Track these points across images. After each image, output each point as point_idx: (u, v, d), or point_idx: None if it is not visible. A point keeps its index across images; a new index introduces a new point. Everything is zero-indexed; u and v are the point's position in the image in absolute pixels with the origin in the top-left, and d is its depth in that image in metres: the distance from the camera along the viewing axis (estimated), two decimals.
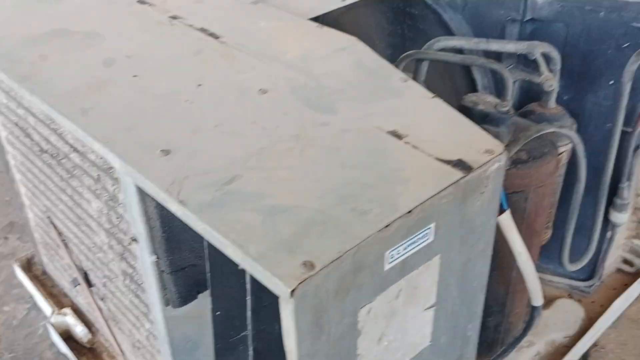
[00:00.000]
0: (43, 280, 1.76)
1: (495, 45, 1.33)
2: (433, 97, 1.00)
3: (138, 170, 0.83)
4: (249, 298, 0.77)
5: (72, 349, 1.60)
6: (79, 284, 1.45)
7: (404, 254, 0.76)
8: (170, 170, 0.83)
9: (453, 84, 1.59)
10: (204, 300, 1.05)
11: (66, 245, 1.48)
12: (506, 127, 1.20)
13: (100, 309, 1.45)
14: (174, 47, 1.17)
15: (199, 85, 1.04)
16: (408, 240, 0.76)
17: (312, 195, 0.78)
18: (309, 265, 0.66)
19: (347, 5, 1.48)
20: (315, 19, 1.37)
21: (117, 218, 1.12)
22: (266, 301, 0.78)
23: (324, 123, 0.93)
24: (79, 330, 1.60)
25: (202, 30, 1.24)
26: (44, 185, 1.41)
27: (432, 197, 0.77)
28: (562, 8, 1.42)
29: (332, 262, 0.67)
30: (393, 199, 0.76)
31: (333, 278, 0.68)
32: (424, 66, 1.31)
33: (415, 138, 0.89)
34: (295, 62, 1.11)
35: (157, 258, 0.95)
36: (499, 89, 1.54)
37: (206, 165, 0.84)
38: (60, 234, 1.48)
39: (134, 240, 0.99)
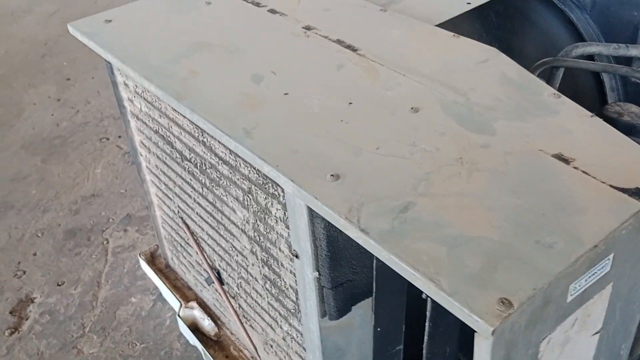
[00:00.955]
0: (167, 273, 1.86)
1: (635, 51, 1.29)
2: (592, 116, 0.98)
3: (314, 196, 0.86)
4: (428, 324, 0.80)
5: (200, 341, 1.69)
6: (212, 282, 1.53)
7: (584, 286, 0.77)
8: (344, 196, 0.86)
9: (575, 85, 1.56)
10: (355, 312, 1.10)
11: (199, 245, 1.55)
12: None
13: (232, 307, 1.53)
14: (316, 61, 1.20)
15: (350, 103, 1.06)
16: (590, 272, 0.76)
17: (490, 225, 0.79)
18: (506, 303, 0.68)
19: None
20: (442, 25, 1.37)
21: (266, 229, 1.17)
22: (442, 327, 0.81)
23: (484, 145, 0.94)
24: (207, 324, 1.69)
25: (339, 42, 1.26)
26: (180, 188, 1.48)
27: (615, 230, 0.77)
28: None
29: (528, 299, 0.69)
30: (575, 231, 0.77)
31: (526, 314, 0.70)
32: (559, 73, 1.29)
33: (582, 162, 0.88)
34: (439, 76, 1.12)
35: (319, 274, 0.99)
36: (627, 91, 1.50)
37: (377, 191, 0.86)
38: (192, 234, 1.56)
39: (296, 256, 1.03)
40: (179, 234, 1.67)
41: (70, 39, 3.81)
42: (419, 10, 1.48)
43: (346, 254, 0.98)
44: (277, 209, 1.10)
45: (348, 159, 0.93)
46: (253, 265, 1.31)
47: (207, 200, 1.36)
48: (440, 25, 1.39)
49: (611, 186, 0.84)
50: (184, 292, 1.80)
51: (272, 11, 1.40)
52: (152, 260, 1.92)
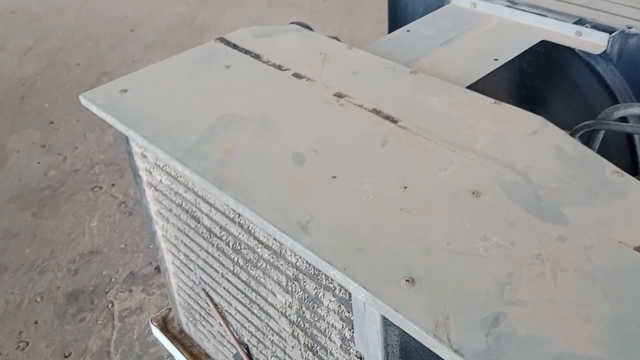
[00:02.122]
0: (181, 340, 1.77)
1: None
2: None
3: (394, 308, 0.80)
4: None
5: None
6: (242, 359, 1.45)
7: None
8: (426, 306, 0.80)
9: (606, 146, 1.53)
10: None
11: (224, 319, 1.48)
12: None
13: None
14: (357, 136, 1.14)
15: (405, 187, 1.01)
16: None
17: (592, 340, 0.74)
18: None
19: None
20: (472, 86, 1.33)
21: (314, 317, 1.10)
22: None
23: (561, 237, 0.89)
24: None
25: (376, 111, 1.20)
26: (205, 262, 1.40)
27: None
28: None
29: None
30: None
31: None
32: (600, 136, 1.26)
33: None
34: (491, 152, 1.07)
35: None
36: None
37: (461, 300, 0.81)
38: (217, 306, 1.48)
39: (360, 358, 0.97)
40: (198, 304, 1.59)
41: (50, 78, 3.69)
42: (446, 69, 1.45)
43: (416, 355, 0.92)
44: (329, 301, 1.03)
45: (419, 258, 0.87)
46: (293, 348, 1.24)
47: (239, 278, 1.29)
48: (470, 86, 1.35)
49: None
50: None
51: (297, 75, 1.34)
52: (164, 325, 1.83)
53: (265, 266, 1.16)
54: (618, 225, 0.90)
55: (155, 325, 1.81)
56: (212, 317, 1.55)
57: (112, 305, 2.00)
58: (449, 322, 0.78)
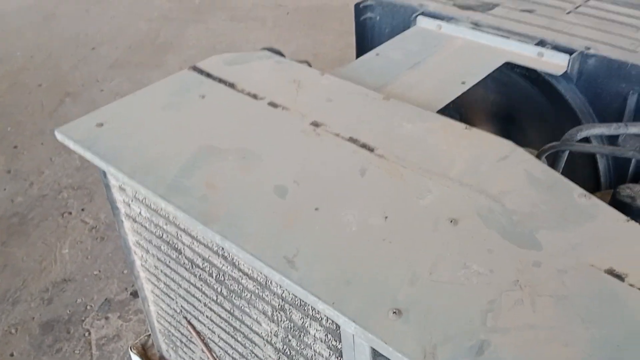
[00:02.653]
0: None
1: (634, 129, 1.33)
2: (628, 221, 1.00)
3: (383, 340, 0.83)
4: None
5: None
6: None
7: None
8: (414, 336, 0.83)
9: (571, 167, 1.58)
10: None
11: (207, 346, 1.48)
12: None
13: None
14: (336, 166, 1.17)
15: (386, 217, 1.04)
16: None
17: None
18: None
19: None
20: (442, 110, 1.38)
21: (300, 345, 1.13)
22: None
23: (536, 263, 0.94)
24: None
25: (352, 140, 1.24)
26: (186, 291, 1.41)
27: None
28: None
29: None
30: None
31: None
32: (564, 156, 1.32)
33: (636, 278, 0.90)
34: (466, 178, 1.11)
35: None
36: (618, 173, 1.55)
37: (446, 329, 0.84)
38: (199, 334, 1.49)
39: None
40: (179, 331, 1.60)
41: (12, 101, 3.62)
42: (417, 93, 1.49)
43: None
44: (316, 330, 1.06)
45: (404, 289, 0.91)
46: None
47: (222, 307, 1.31)
48: (441, 110, 1.40)
49: None
50: None
51: (273, 104, 1.37)
52: (144, 352, 1.82)
53: (250, 297, 1.18)
54: (589, 249, 0.95)
55: (134, 353, 1.81)
56: (194, 344, 1.56)
57: (89, 333, 1.98)
58: (436, 352, 0.81)
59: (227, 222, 1.06)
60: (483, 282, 0.91)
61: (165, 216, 1.29)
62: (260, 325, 1.21)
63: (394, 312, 0.87)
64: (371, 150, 1.21)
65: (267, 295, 1.13)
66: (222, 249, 1.17)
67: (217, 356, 1.47)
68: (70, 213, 2.53)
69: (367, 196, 1.09)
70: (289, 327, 1.12)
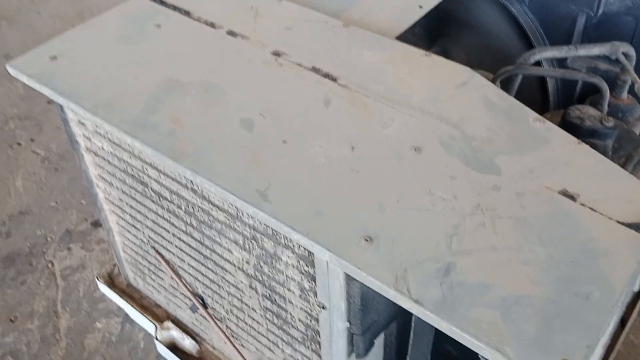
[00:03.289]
0: (130, 293, 1.81)
1: (582, 51, 1.38)
2: (579, 143, 1.07)
3: (357, 266, 0.88)
4: None
5: (182, 359, 1.68)
6: (198, 310, 1.52)
7: (610, 324, 0.87)
8: (385, 262, 0.89)
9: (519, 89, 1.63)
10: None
11: (177, 273, 1.52)
12: (611, 140, 1.29)
13: (219, 328, 1.53)
14: (300, 97, 1.18)
15: (353, 147, 1.07)
16: (616, 312, 0.86)
17: (531, 281, 0.86)
18: None
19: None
20: (401, 37, 1.39)
21: (272, 271, 1.17)
22: None
23: (496, 187, 0.99)
24: (187, 343, 1.68)
25: (315, 70, 1.24)
26: (154, 222, 1.43)
27: (635, 271, 0.86)
28: (632, 4, 1.48)
29: (585, 357, 0.77)
30: (605, 278, 0.85)
31: None
32: (518, 80, 1.36)
33: (587, 198, 0.97)
34: (427, 106, 1.15)
35: (350, 324, 1.02)
36: (566, 94, 1.61)
37: (415, 254, 0.90)
38: (168, 262, 1.52)
39: (323, 307, 1.06)
40: (147, 260, 1.63)
41: None
42: (376, 19, 1.48)
43: (374, 302, 1.02)
44: (288, 257, 1.11)
45: (374, 217, 0.95)
46: (251, 297, 1.32)
47: (192, 237, 1.34)
48: (399, 36, 1.40)
49: (619, 222, 0.93)
50: (153, 311, 1.77)
51: (232, 33, 1.35)
52: (111, 281, 1.85)
53: (221, 227, 1.21)
54: (544, 172, 1.02)
55: (101, 282, 1.83)
56: (163, 272, 1.59)
57: (52, 265, 1.99)
58: (407, 276, 0.87)
59: (197, 157, 1.07)
60: (447, 207, 0.97)
61: (130, 150, 1.28)
62: (232, 253, 1.25)
63: (365, 240, 0.92)
64: (334, 79, 1.22)
65: (238, 226, 1.16)
66: (191, 182, 1.18)
67: (187, 282, 1.52)
68: (19, 144, 2.46)
69: (332, 127, 1.12)
70: (261, 254, 1.17)
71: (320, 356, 1.21)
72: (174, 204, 1.29)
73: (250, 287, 1.28)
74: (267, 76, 1.23)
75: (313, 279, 1.06)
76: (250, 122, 1.13)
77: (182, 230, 1.35)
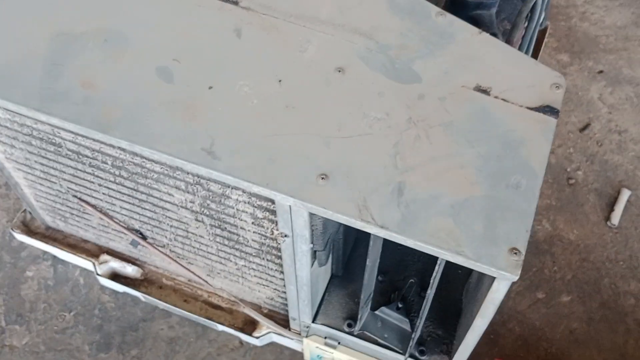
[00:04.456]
0: (52, 235, 1.77)
1: None
2: (480, 33, 1.15)
3: (322, 207, 0.96)
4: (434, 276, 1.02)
5: (127, 284, 1.73)
6: (139, 244, 1.54)
7: None
8: (344, 195, 0.97)
9: None
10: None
11: (107, 215, 1.51)
12: (495, 8, 1.39)
13: (162, 252, 1.57)
14: (208, 31, 1.14)
15: (280, 80, 1.09)
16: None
17: (470, 182, 0.98)
18: (516, 252, 0.91)
19: None
20: None
21: (220, 207, 1.22)
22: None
23: (420, 96, 1.08)
24: (130, 270, 1.72)
25: None
26: (74, 176, 1.38)
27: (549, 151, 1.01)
28: None
29: (526, 241, 0.93)
30: (528, 165, 1.00)
31: None
32: None
33: (498, 90, 1.08)
34: (336, 19, 1.16)
35: (313, 244, 1.12)
36: None
37: (368, 182, 0.98)
38: (95, 207, 1.50)
39: (285, 236, 1.13)
40: (67, 205, 1.59)
41: None
42: None
43: (331, 222, 1.12)
44: (239, 195, 1.15)
45: (323, 152, 1.01)
46: (198, 228, 1.36)
47: (123, 186, 1.32)
48: None
49: (528, 108, 1.06)
50: (84, 247, 1.76)
51: None
52: (27, 228, 1.79)
53: (158, 177, 1.21)
54: (457, 70, 1.11)
55: (18, 232, 1.77)
56: (89, 214, 1.57)
57: None
58: (367, 205, 0.97)
59: (127, 124, 1.04)
60: (384, 126, 1.04)
61: (36, 117, 1.20)
62: (173, 196, 1.27)
63: (322, 178, 0.98)
64: (235, 3, 1.18)
65: (178, 175, 1.17)
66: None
67: (120, 220, 1.52)
68: None
69: (253, 61, 1.11)
70: (208, 195, 1.20)
71: (279, 265, 1.32)
72: (97, 160, 1.26)
73: (197, 220, 1.32)
74: (164, 10, 1.17)
75: (271, 212, 1.13)
76: (168, 71, 1.10)
77: (110, 181, 1.32)
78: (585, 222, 1.90)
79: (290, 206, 1.02)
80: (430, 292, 1.10)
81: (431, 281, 1.06)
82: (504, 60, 1.12)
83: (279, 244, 1.20)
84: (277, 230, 1.14)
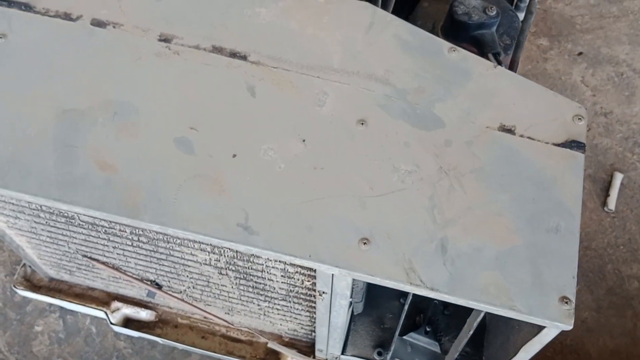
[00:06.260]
0: (57, 287, 1.72)
1: None
2: (496, 67, 1.15)
3: (369, 274, 0.95)
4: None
5: (142, 328, 1.70)
6: (155, 293, 1.51)
7: None
8: (389, 259, 0.96)
9: None
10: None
11: (118, 270, 1.47)
12: (496, 26, 1.38)
13: (180, 299, 1.55)
14: (221, 93, 1.10)
15: (304, 141, 1.06)
16: None
17: (509, 230, 0.99)
18: (568, 301, 0.93)
19: None
20: None
21: (248, 264, 1.20)
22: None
23: (447, 142, 1.07)
24: (144, 314, 1.69)
25: (218, 50, 1.15)
26: (85, 240, 1.34)
27: (581, 187, 1.02)
28: None
29: (574, 287, 0.94)
30: (563, 205, 1.00)
31: None
32: None
33: (522, 128, 1.08)
34: (349, 66, 1.13)
35: (352, 298, 1.12)
36: None
37: (410, 241, 0.98)
38: (105, 263, 1.46)
39: (324, 293, 1.12)
40: (74, 262, 1.54)
41: None
42: None
43: None
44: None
45: (358, 214, 1.00)
46: (221, 279, 1.34)
47: (141, 248, 1.29)
48: None
49: (554, 144, 1.07)
50: (92, 295, 1.72)
51: (98, 23, 1.17)
52: (30, 284, 1.74)
53: (181, 241, 1.18)
54: (479, 111, 1.10)
55: (20, 288, 1.72)
56: (98, 269, 1.53)
57: None
58: (414, 266, 0.96)
59: (155, 205, 1.00)
60: (416, 179, 1.03)
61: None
62: (196, 257, 1.24)
63: (364, 243, 0.97)
64: (244, 58, 1.14)
65: (195, 245, 1.14)
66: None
67: (134, 274, 1.48)
68: None
69: (272, 121, 1.08)
70: (235, 255, 1.18)
71: (309, 307, 1.31)
72: (114, 229, 1.22)
73: (220, 273, 1.30)
74: (171, 74, 1.12)
75: (304, 268, 1.11)
76: (187, 141, 1.06)
77: (127, 245, 1.29)
78: (583, 210, 1.94)
79: (332, 275, 1.01)
80: (465, 338, 1.11)
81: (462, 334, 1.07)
82: (523, 94, 1.12)
83: (314, 297, 1.19)
84: (308, 281, 1.13)
